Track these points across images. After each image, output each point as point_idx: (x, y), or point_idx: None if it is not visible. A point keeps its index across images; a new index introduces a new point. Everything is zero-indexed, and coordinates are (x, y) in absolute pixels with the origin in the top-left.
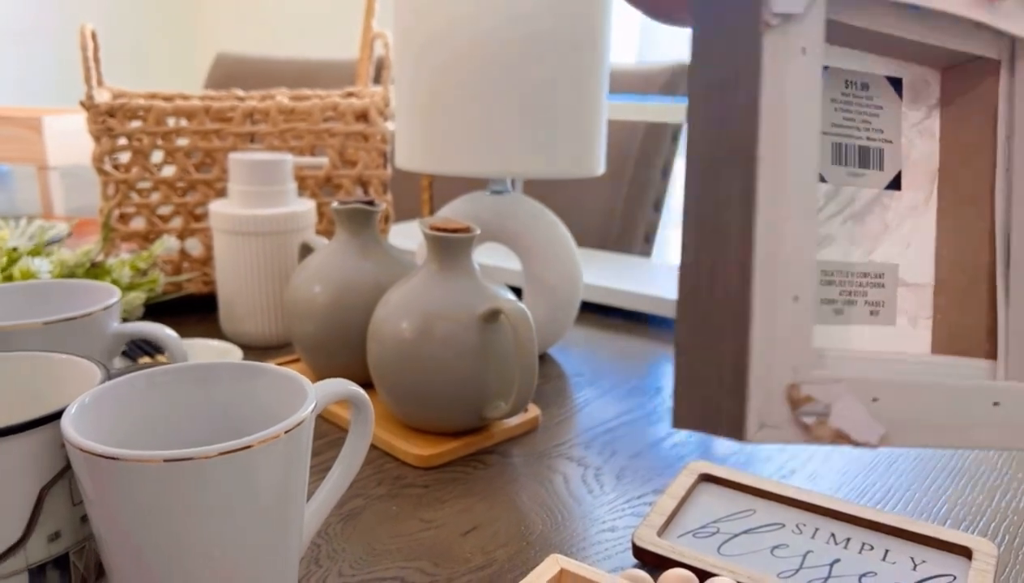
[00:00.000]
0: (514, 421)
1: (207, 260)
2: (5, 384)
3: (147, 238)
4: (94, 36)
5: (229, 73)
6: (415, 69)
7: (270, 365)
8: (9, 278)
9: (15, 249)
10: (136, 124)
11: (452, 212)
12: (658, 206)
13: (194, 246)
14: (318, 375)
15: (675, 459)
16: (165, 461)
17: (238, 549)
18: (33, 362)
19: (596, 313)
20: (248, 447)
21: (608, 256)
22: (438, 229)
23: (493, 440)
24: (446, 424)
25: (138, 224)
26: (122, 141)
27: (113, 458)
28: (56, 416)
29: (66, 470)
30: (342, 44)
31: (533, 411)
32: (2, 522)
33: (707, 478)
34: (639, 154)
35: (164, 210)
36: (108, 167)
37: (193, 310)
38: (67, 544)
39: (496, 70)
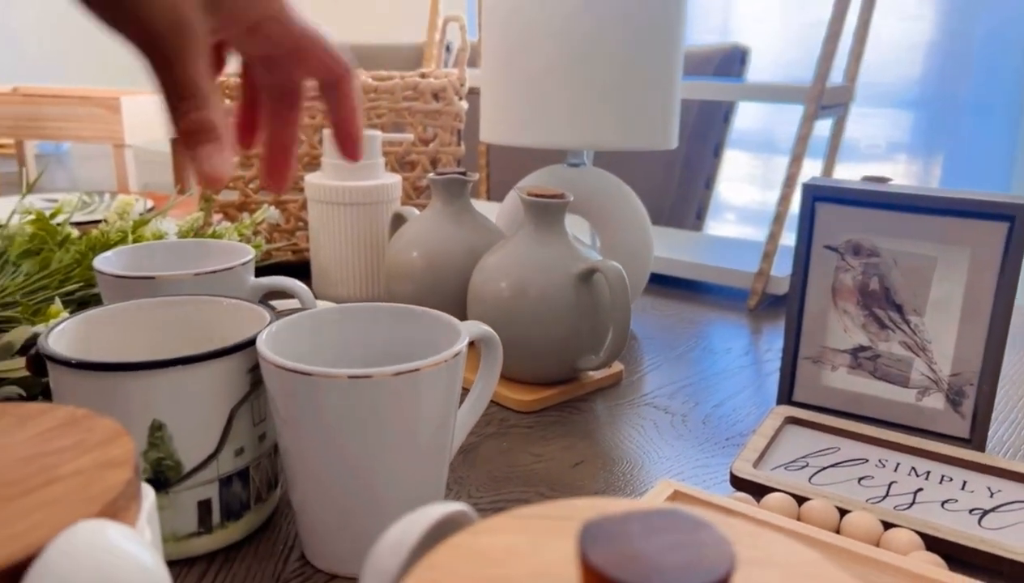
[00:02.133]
0: (600, 374)
1: (294, 230)
2: (182, 323)
3: (240, 209)
4: None
5: None
6: (501, 46)
7: (425, 308)
8: (139, 239)
9: (146, 212)
10: (228, 103)
11: (535, 182)
12: (709, 183)
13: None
14: None
15: (752, 409)
16: (349, 377)
17: (406, 455)
18: (201, 305)
19: (655, 283)
20: (417, 370)
21: (663, 230)
22: (535, 195)
23: (583, 390)
24: (542, 375)
25: (229, 196)
26: None
27: (305, 373)
28: (243, 346)
29: (250, 394)
30: (397, 29)
31: (616, 367)
32: (201, 437)
33: (792, 421)
34: (692, 133)
35: (254, 184)
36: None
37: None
38: (248, 459)
39: (579, 47)
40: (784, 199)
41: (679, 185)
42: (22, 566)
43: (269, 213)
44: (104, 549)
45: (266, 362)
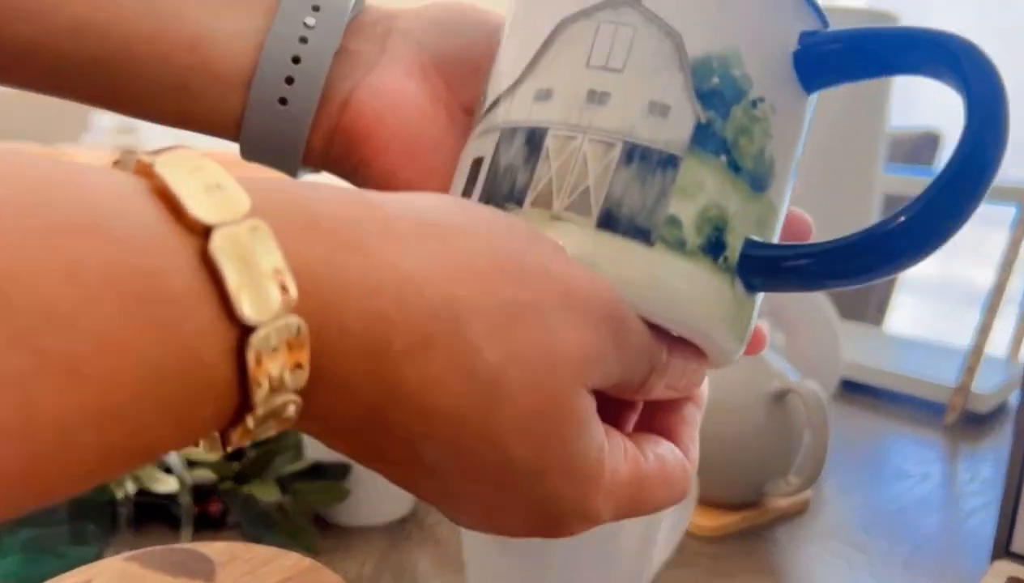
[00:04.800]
0: (785, 500)
1: None
2: None
3: None
4: None
5: None
6: None
7: None
8: None
9: None
10: None
11: None
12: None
13: None
14: None
15: (962, 554)
16: None
17: None
18: None
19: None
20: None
21: (846, 327)
22: None
23: (767, 517)
24: (724, 497)
25: None
26: None
27: None
28: None
29: None
30: None
31: (803, 494)
32: None
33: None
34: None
35: None
36: None
37: None
38: None
39: None
40: (992, 308)
41: None
42: None
43: None
44: None
45: None
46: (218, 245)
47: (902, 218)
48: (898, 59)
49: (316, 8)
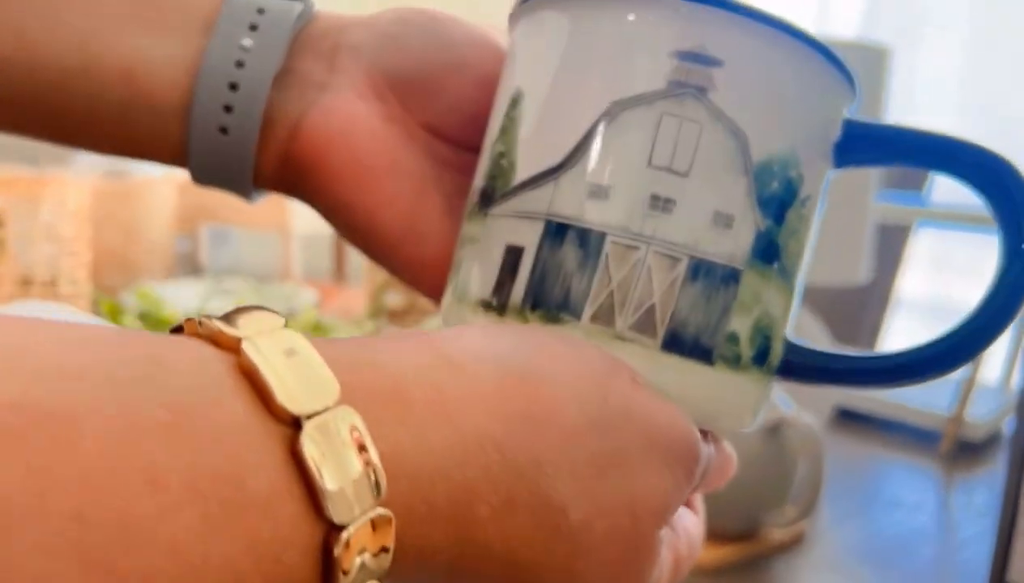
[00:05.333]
0: (781, 532)
1: None
2: None
3: (406, 314)
4: None
5: None
6: None
7: None
8: None
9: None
10: None
11: None
12: (886, 299)
13: None
14: None
15: (958, 580)
16: None
17: None
18: None
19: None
20: None
21: None
22: None
23: (764, 548)
24: (721, 529)
25: (394, 300)
26: None
27: None
28: None
29: None
30: None
31: (799, 525)
32: None
33: None
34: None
35: None
36: None
37: None
38: None
39: None
40: None
41: (853, 302)
42: None
43: (434, 324)
44: None
45: None
46: (311, 442)
47: (941, 344)
48: (933, 162)
49: (254, 28)
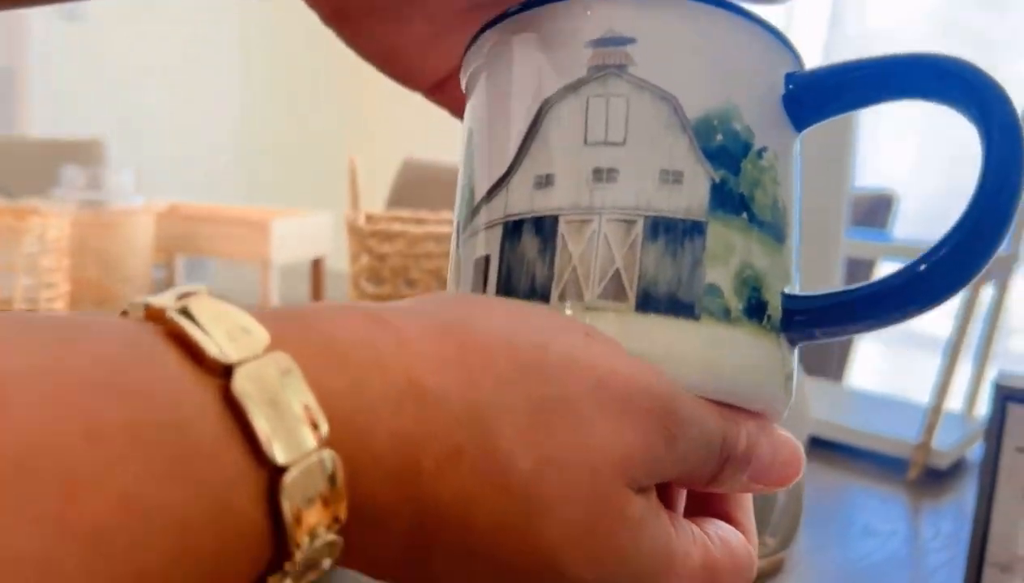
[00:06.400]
0: (761, 561)
1: None
2: None
3: None
4: (353, 166)
5: (416, 179)
6: None
7: None
8: None
9: None
10: (388, 247)
11: None
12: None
13: None
14: None
15: None
16: None
17: None
18: None
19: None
20: None
21: (809, 383)
22: None
23: None
24: None
25: None
26: (376, 261)
27: None
28: None
29: None
30: None
31: (778, 555)
32: None
33: None
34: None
35: None
36: (367, 287)
37: None
38: None
39: None
40: (949, 369)
41: None
42: None
43: None
44: None
45: None
46: (242, 387)
47: (937, 257)
48: (884, 87)
49: None
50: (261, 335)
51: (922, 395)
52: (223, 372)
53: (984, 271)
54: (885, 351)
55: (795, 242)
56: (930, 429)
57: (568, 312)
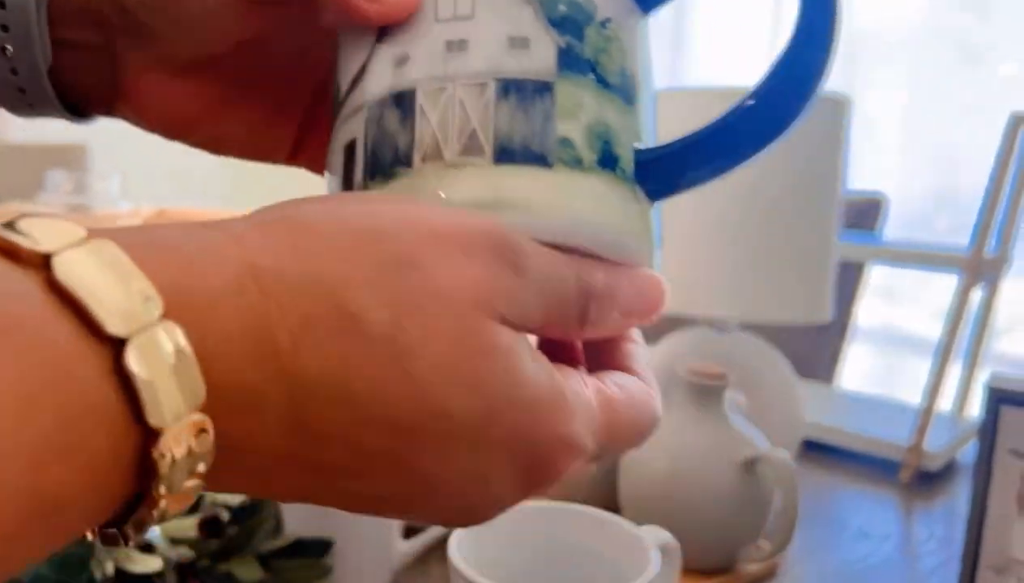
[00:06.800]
0: (756, 565)
1: None
2: None
3: None
4: None
5: None
6: None
7: (614, 516)
8: None
9: None
10: None
11: (674, 347)
12: (843, 331)
13: None
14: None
15: None
16: None
17: None
18: None
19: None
20: None
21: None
22: (696, 373)
23: (736, 581)
24: (697, 564)
25: None
26: None
27: None
28: None
29: None
30: None
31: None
32: None
33: None
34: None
35: None
36: None
37: None
38: None
39: (735, 216)
40: (939, 371)
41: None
42: None
43: None
44: None
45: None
46: (65, 271)
47: (766, 88)
48: None
49: None
50: (79, 230)
51: (911, 396)
52: (43, 263)
53: (975, 272)
54: (875, 353)
55: (646, 108)
56: (922, 431)
57: (430, 171)
